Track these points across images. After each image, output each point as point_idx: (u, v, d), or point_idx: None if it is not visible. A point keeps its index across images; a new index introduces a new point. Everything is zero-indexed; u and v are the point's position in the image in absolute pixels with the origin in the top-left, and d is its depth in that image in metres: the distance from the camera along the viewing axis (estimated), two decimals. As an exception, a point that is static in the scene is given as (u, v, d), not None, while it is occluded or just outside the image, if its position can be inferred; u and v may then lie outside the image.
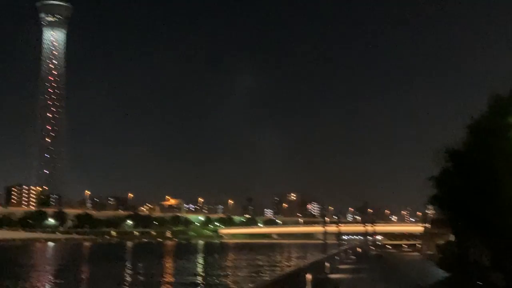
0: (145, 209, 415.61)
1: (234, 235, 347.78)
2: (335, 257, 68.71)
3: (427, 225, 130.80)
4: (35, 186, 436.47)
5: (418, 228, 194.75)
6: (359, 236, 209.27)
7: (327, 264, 52.52)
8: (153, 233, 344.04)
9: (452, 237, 79.74)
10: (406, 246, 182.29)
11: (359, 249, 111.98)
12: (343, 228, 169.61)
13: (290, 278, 31.38)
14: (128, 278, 75.56)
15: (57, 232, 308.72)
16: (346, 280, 47.75)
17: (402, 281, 47.38)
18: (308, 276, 34.56)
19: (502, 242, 33.86)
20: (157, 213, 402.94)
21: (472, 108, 37.80)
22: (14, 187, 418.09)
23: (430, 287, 42.30)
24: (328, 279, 45.71)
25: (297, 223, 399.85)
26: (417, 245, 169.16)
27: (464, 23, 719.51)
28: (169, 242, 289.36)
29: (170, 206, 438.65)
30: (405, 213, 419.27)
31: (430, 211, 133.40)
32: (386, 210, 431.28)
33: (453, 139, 40.16)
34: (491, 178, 31.68)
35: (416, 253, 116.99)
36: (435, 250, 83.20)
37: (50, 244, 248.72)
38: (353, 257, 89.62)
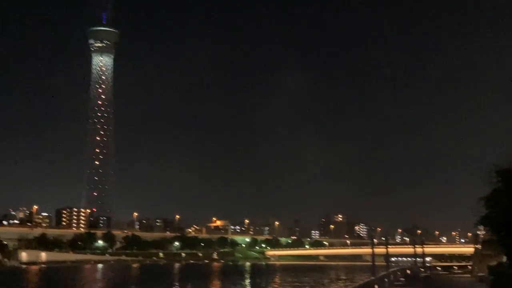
0: (191, 231, 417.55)
1: (280, 257, 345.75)
2: (384, 279, 67.39)
3: (478, 246, 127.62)
4: (84, 209, 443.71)
5: (469, 249, 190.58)
6: (407, 258, 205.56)
7: (376, 287, 51.46)
8: (200, 254, 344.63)
9: (504, 258, 77.19)
10: (457, 268, 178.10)
11: (408, 271, 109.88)
12: (392, 249, 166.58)
13: None
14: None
15: (106, 254, 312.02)
16: None
17: None
18: None
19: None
20: (204, 235, 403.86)
21: None
22: (64, 210, 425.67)
23: None
24: None
25: (344, 245, 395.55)
26: (468, 266, 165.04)
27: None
28: (215, 264, 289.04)
29: (217, 228, 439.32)
30: (455, 233, 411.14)
31: (481, 232, 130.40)
32: (435, 231, 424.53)
33: (503, 158, 39.27)
34: None
35: (467, 275, 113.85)
36: (486, 272, 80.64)
37: (100, 265, 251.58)
38: (402, 279, 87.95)
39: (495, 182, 41.22)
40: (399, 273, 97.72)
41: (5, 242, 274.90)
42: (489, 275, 73.51)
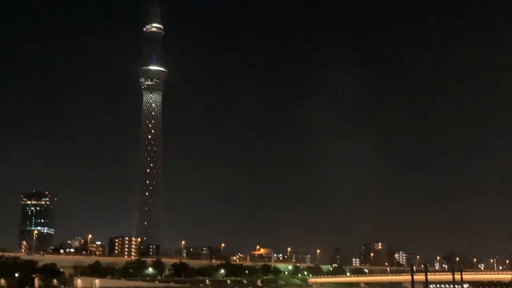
0: (236, 258, 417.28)
1: (322, 284, 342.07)
2: None
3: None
4: (135, 237, 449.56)
5: (507, 276, 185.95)
6: (446, 285, 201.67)
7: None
8: (245, 281, 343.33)
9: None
10: None
11: None
12: (431, 277, 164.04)
13: None
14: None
15: (156, 281, 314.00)
16: None
17: None
18: None
19: None
20: (248, 263, 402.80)
21: None
22: (117, 238, 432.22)
23: None
24: None
25: (384, 272, 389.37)
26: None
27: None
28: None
29: (260, 256, 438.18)
30: (492, 261, 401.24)
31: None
32: (473, 258, 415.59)
33: None
34: None
35: None
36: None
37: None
38: None
39: None
40: None
41: (62, 270, 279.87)
42: None
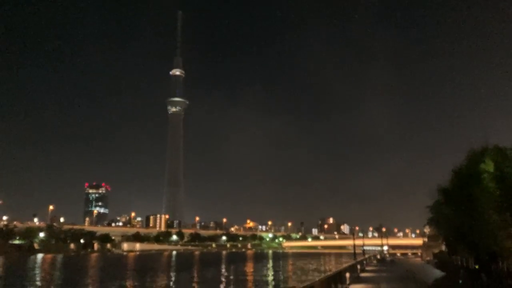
0: (233, 229, 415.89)
1: (292, 247, 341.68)
2: (363, 261, 67.42)
3: (425, 239, 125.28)
4: (164, 214, 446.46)
5: (418, 241, 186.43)
6: (376, 247, 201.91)
7: (358, 266, 51.79)
8: (239, 245, 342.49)
9: (443, 248, 76.58)
10: (410, 254, 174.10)
11: (378, 256, 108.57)
12: (366, 241, 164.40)
13: (337, 275, 31.46)
14: (228, 276, 76.06)
15: (178, 245, 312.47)
16: (374, 276, 46.07)
17: (412, 277, 45.06)
18: (347, 274, 34.81)
19: (482, 251, 33.00)
20: (241, 232, 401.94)
21: (457, 158, 37.33)
22: (151, 216, 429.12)
23: (436, 282, 39.81)
24: (359, 276, 44.80)
25: (334, 239, 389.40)
26: (418, 253, 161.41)
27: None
28: (249, 251, 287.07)
29: (250, 227, 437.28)
30: (408, 230, 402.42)
31: (427, 230, 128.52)
32: (395, 229, 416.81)
33: (442, 180, 40.02)
34: (470, 206, 31.49)
35: (418, 259, 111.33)
36: (432, 257, 79.51)
37: (174, 252, 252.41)
38: (375, 261, 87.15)
39: (437, 196, 41.94)
40: (372, 257, 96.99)
41: (113, 238, 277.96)
42: (433, 259, 72.82)
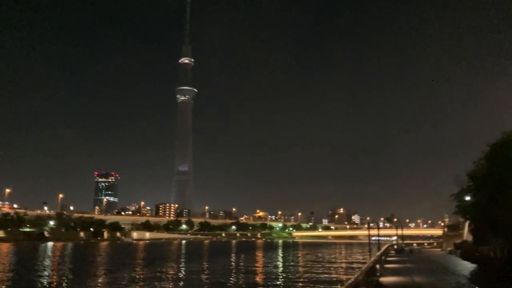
0: (243, 219, 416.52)
1: (302, 237, 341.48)
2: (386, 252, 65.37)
3: (445, 229, 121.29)
4: (173, 203, 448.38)
5: (436, 232, 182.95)
6: (387, 238, 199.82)
7: (383, 258, 49.32)
8: (249, 234, 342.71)
9: (464, 237, 73.50)
10: (426, 244, 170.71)
11: (395, 246, 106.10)
12: (380, 232, 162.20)
13: (373, 267, 29.21)
14: (238, 264, 74.83)
15: (188, 234, 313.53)
16: (400, 267, 42.11)
17: (445, 268, 40.71)
18: (377, 266, 33.26)
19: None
20: (251, 221, 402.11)
21: (484, 142, 35.04)
22: (161, 204, 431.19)
23: (472, 274, 35.72)
24: (384, 267, 41.90)
25: (344, 229, 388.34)
26: (434, 243, 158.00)
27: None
28: (259, 240, 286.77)
29: (260, 217, 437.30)
30: (419, 221, 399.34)
31: (445, 220, 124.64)
32: (406, 219, 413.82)
33: (469, 166, 37.80)
34: (506, 193, 29.26)
35: (437, 249, 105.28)
36: (453, 247, 76.28)
37: (183, 241, 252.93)
38: (393, 251, 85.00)
39: (466, 183, 39.37)
40: (389, 247, 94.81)
41: (123, 226, 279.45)
42: (456, 249, 69.77)
